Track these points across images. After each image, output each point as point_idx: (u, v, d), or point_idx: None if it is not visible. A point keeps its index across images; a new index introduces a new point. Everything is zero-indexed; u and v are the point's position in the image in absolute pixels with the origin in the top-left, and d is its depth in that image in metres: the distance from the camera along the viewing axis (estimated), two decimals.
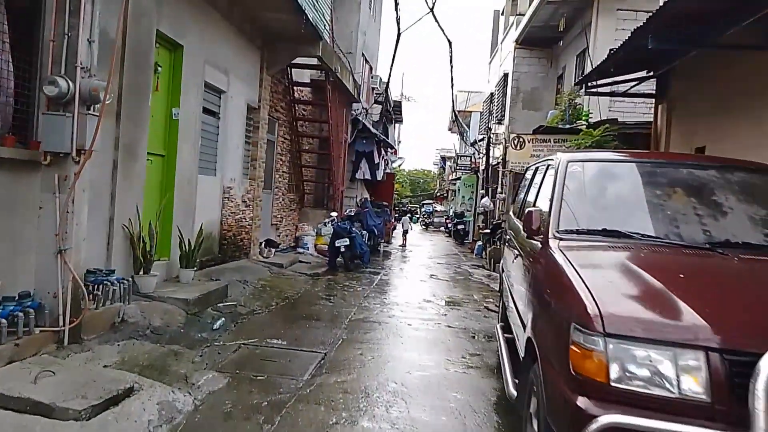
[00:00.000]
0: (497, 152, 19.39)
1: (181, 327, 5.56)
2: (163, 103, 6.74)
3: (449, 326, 6.71)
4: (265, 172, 10.45)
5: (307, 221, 13.06)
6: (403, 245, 19.03)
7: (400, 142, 32.42)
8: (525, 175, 6.33)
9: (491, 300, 8.72)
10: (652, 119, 8.09)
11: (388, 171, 17.99)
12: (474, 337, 6.28)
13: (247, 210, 9.54)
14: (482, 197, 20.12)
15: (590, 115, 8.89)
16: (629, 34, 5.84)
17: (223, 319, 5.99)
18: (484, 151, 20.36)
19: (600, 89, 8.00)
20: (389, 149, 17.51)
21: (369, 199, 15.64)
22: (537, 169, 5.24)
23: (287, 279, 9.13)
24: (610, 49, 6.68)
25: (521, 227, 4.53)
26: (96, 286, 4.86)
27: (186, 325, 5.66)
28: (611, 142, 7.49)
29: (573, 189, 3.67)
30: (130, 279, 5.79)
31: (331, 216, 12.01)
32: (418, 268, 12.86)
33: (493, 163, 19.86)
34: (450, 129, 37.43)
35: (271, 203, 11.18)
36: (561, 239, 3.27)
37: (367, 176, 14.65)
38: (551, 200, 3.62)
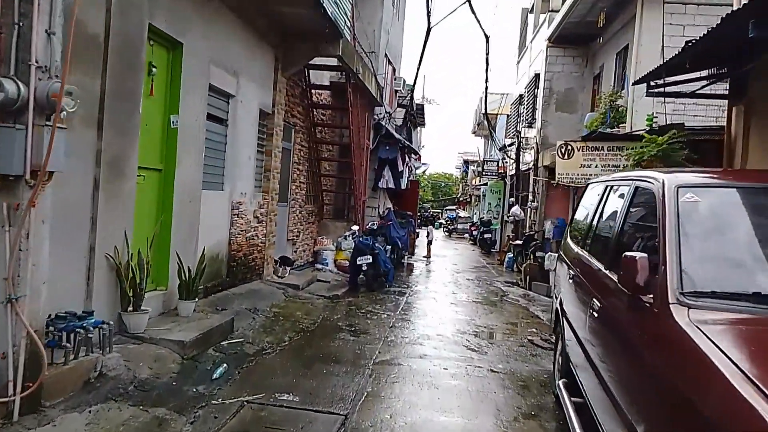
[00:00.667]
0: (528, 157, 18.25)
1: (174, 378, 4.63)
2: (159, 109, 5.85)
3: (492, 370, 5.67)
4: (281, 183, 9.54)
5: (327, 234, 12.13)
6: (428, 256, 17.99)
7: (422, 146, 31.37)
8: (587, 192, 5.27)
9: (534, 330, 7.65)
10: (723, 124, 6.95)
11: (411, 178, 16.99)
12: (525, 386, 5.23)
13: (259, 226, 8.63)
14: (512, 205, 18.97)
15: (655, 119, 7.74)
16: (719, 20, 4.74)
17: (225, 365, 5.05)
18: (514, 157, 19.21)
19: (664, 89, 6.87)
20: (413, 155, 16.52)
21: (392, 209, 14.66)
22: (611, 188, 4.18)
23: (303, 304, 8.18)
24: (687, 42, 5.59)
25: (601, 268, 3.50)
26: (67, 335, 3.95)
27: (180, 374, 4.74)
28: (680, 152, 6.38)
29: (692, 228, 2.63)
30: (116, 319, 4.90)
31: (352, 230, 11.05)
32: (447, 285, 11.82)
33: (524, 169, 18.72)
34: (474, 132, 36.29)
35: (287, 217, 10.27)
36: (691, 307, 2.23)
37: (391, 185, 13.69)
38: (662, 244, 2.58)
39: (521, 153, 18.82)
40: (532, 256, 14.32)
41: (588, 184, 5.28)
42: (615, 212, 3.69)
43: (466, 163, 50.39)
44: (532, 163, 17.40)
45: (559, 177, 8.97)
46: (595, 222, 4.26)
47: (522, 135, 19.27)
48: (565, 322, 4.46)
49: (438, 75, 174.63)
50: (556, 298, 5.34)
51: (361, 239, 9.98)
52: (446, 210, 44.67)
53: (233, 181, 7.62)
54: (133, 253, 5.14)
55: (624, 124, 10.65)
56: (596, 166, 8.56)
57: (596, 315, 3.24)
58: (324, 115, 11.96)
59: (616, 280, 2.84)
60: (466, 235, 32.19)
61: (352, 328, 7.03)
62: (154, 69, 5.61)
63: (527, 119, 18.86)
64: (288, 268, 9.45)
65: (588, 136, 8.96)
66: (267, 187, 8.85)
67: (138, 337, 5.08)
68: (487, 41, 13.10)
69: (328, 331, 6.84)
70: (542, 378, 5.50)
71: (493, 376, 5.47)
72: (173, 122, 5.96)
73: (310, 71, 10.45)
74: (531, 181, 17.66)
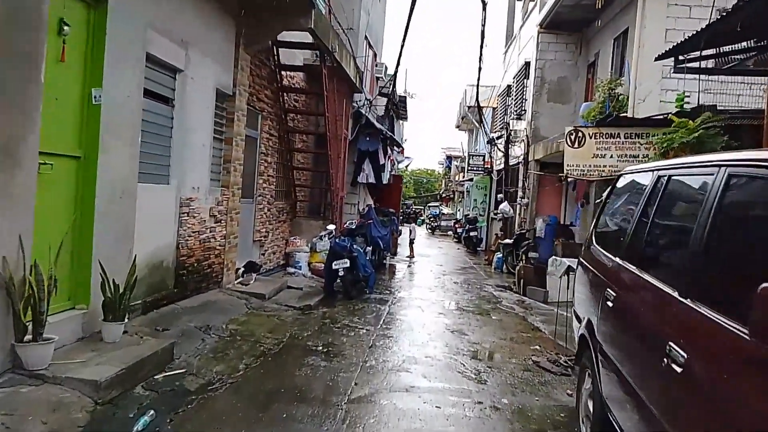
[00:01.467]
0: (517, 151, 17.23)
1: None
2: (75, 80, 4.60)
3: (496, 407, 4.55)
4: (245, 177, 8.32)
5: (300, 234, 10.93)
6: (411, 256, 16.84)
7: (405, 140, 30.28)
8: (620, 184, 4.17)
9: (538, 347, 6.58)
10: (762, 106, 5.93)
11: (394, 173, 15.83)
12: None
13: (217, 227, 7.41)
14: (500, 202, 17.94)
15: (686, 99, 6.64)
16: None
17: (153, 411, 3.84)
18: (503, 150, 18.17)
19: (699, 63, 5.81)
20: (396, 148, 15.38)
21: (373, 206, 13.51)
22: (669, 178, 3.07)
23: (269, 317, 6.99)
24: (734, 5, 4.51)
25: (686, 302, 2.37)
26: None
27: (88, 429, 3.53)
28: (716, 138, 5.32)
29: None
30: (7, 352, 3.70)
31: (328, 229, 9.87)
32: (433, 290, 10.71)
33: (513, 164, 17.70)
34: (458, 126, 35.27)
35: (252, 215, 9.04)
36: None
37: (371, 179, 12.53)
38: None
39: (510, 146, 17.79)
40: (524, 257, 13.29)
41: (620, 175, 4.18)
42: (691, 212, 2.57)
43: (450, 158, 49.45)
44: (522, 157, 16.39)
45: (568, 169, 7.87)
46: (648, 225, 3.14)
47: (511, 128, 18.26)
48: (601, 358, 3.35)
49: (420, 70, 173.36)
50: (579, 320, 4.23)
51: (337, 240, 8.81)
52: (429, 207, 43.66)
53: (182, 174, 6.38)
54: (33, 264, 3.91)
55: (625, 114, 9.65)
56: (611, 157, 7.48)
57: (682, 370, 2.11)
58: (297, 101, 10.74)
59: (733, 326, 1.72)
60: (450, 233, 31.17)
61: (325, 349, 5.86)
62: (66, 28, 4.35)
63: (516, 111, 17.85)
64: (254, 275, 8.24)
65: (602, 121, 7.81)
66: (227, 180, 7.63)
67: (38, 376, 3.86)
68: (484, 7, 11.85)
69: (294, 354, 5.66)
70: (559, 418, 4.40)
71: (498, 417, 4.36)
72: (95, 97, 4.71)
73: (280, 49, 9.22)
74: (521, 177, 16.66)
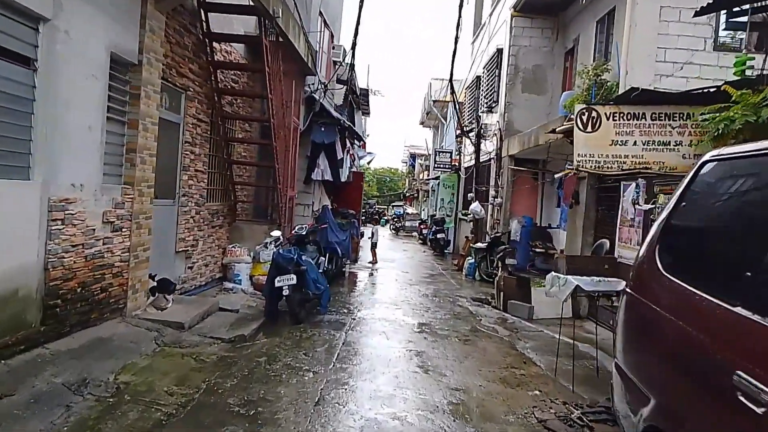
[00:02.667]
0: (489, 146, 15.83)
1: None
2: None
3: None
4: (161, 171, 6.52)
5: (242, 241, 9.15)
6: (373, 261, 15.21)
7: (368, 135, 28.64)
8: (699, 176, 2.62)
9: (538, 392, 5.05)
10: None
11: (355, 169, 14.16)
12: None
13: (116, 237, 5.60)
14: (470, 201, 16.52)
15: (751, 64, 5.11)
16: None
17: None
18: (474, 145, 16.74)
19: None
20: (357, 141, 13.72)
21: (329, 207, 11.81)
22: None
23: (183, 358, 5.24)
24: None
25: None
26: None
27: None
28: None
29: None
30: None
31: (273, 236, 8.13)
32: (399, 306, 9.10)
33: (484, 160, 16.30)
34: (422, 123, 33.85)
35: (175, 220, 7.24)
36: None
37: (327, 176, 10.84)
38: None
39: (482, 142, 16.38)
40: (500, 264, 11.84)
41: (703, 163, 2.61)
42: None
43: (413, 156, 48.14)
44: (494, 152, 15.00)
45: (580, 160, 6.27)
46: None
47: (481, 121, 16.86)
48: None
49: (382, 64, 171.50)
50: (637, 393, 2.65)
51: (281, 252, 7.08)
52: (393, 206, 42.16)
53: (53, 165, 4.57)
54: None
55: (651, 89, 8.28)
56: (635, 144, 5.98)
57: None
58: (237, 81, 8.97)
59: None
60: (415, 234, 29.73)
61: (251, 412, 4.16)
62: None
63: (487, 103, 16.46)
64: (169, 297, 6.44)
65: (624, 98, 6.14)
66: (131, 176, 5.82)
67: None
68: None
69: (205, 423, 3.94)
70: None
71: None
72: None
73: (210, 14, 7.44)
74: (493, 174, 15.29)
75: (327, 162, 10.75)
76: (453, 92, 16.05)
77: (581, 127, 6.25)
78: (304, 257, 7.40)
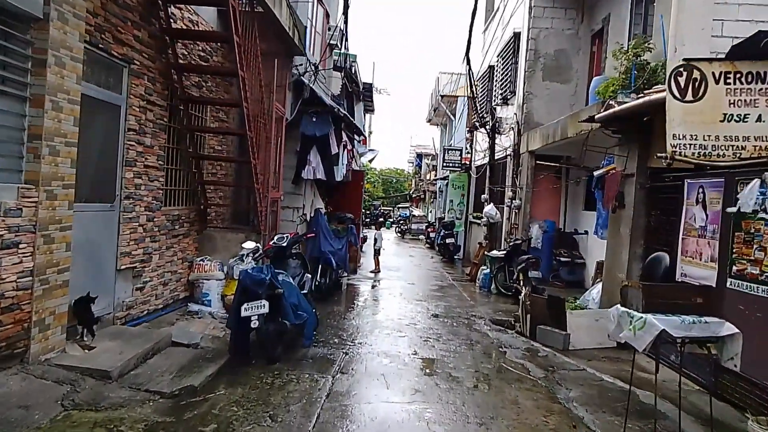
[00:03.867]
0: (504, 142, 14.18)
1: None
2: None
3: None
4: (87, 166, 4.95)
5: (214, 253, 7.57)
6: (376, 270, 13.61)
7: (371, 132, 27.08)
8: None
9: None
10: None
11: (354, 167, 12.54)
12: None
13: (10, 255, 4.02)
14: (484, 203, 14.87)
15: None
16: None
17: None
18: (489, 140, 15.09)
19: None
20: (356, 136, 12.10)
21: (323, 211, 10.21)
22: None
23: (92, 430, 3.65)
24: None
25: None
26: None
27: None
28: None
29: None
30: None
31: (246, 248, 6.51)
32: (403, 333, 7.49)
33: (499, 157, 14.65)
34: (429, 121, 32.20)
35: (115, 229, 5.65)
36: None
37: (320, 175, 9.23)
38: None
39: (497, 137, 14.73)
40: (522, 276, 10.19)
41: None
42: None
43: (420, 156, 46.53)
44: (510, 148, 13.36)
45: (675, 146, 4.36)
46: None
47: (496, 115, 15.21)
48: None
49: (388, 63, 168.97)
50: None
51: (250, 271, 5.45)
52: (398, 208, 40.52)
53: None
54: None
55: (660, 86, 6.65)
56: (760, 120, 4.25)
57: None
58: (208, 59, 7.39)
59: None
60: (422, 237, 28.10)
61: None
62: None
63: (502, 94, 14.82)
64: (89, 335, 4.85)
65: (746, 47, 4.18)
66: (35, 171, 4.24)
67: None
68: None
69: None
70: None
71: None
72: None
73: None
74: (509, 173, 13.66)
75: (319, 158, 9.15)
76: (469, 64, 14.24)
77: (677, 94, 4.48)
78: (281, 277, 5.80)
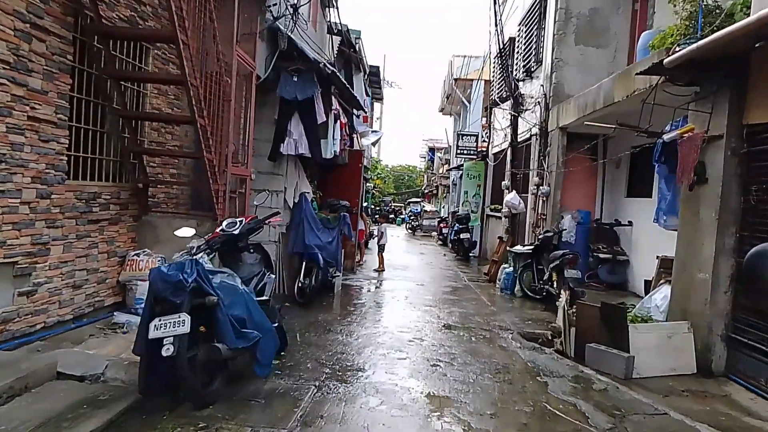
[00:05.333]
0: (530, 119, 12.19)
1: None
2: None
3: None
4: None
5: (156, 245, 5.75)
6: (380, 269, 11.75)
7: (378, 118, 25.22)
8: None
9: None
10: None
11: (350, 148, 10.64)
12: None
13: None
14: (506, 190, 12.94)
15: None
16: None
17: None
18: (510, 119, 13.13)
19: None
20: (354, 110, 10.19)
21: (310, 196, 8.33)
22: None
23: None
24: None
25: None
26: None
27: None
28: None
29: None
30: None
31: (190, 244, 4.63)
32: (407, 353, 5.61)
33: (522, 139, 12.68)
34: (442, 110, 30.24)
35: None
36: None
37: (303, 149, 7.34)
38: None
39: (519, 117, 12.75)
40: (555, 276, 8.29)
41: None
42: None
43: (432, 150, 44.61)
44: (537, 127, 11.41)
45: None
46: None
47: (517, 91, 13.23)
48: None
49: (400, 60, 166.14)
50: None
51: (164, 268, 3.59)
52: (409, 203, 38.58)
53: None
54: None
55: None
56: None
57: None
58: None
59: None
60: (434, 233, 26.18)
61: None
62: None
63: (524, 67, 12.85)
64: None
65: None
66: None
67: None
68: None
69: None
70: None
71: None
72: None
73: None
74: (534, 155, 11.71)
75: (302, 128, 7.30)
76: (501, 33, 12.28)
77: None
78: (219, 278, 3.94)
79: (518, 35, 13.84)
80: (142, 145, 5.81)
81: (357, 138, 12.02)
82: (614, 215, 10.34)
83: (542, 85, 11.30)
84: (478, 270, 13.52)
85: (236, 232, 4.64)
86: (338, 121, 8.39)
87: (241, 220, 4.77)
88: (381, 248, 12.04)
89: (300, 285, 7.30)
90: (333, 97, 7.86)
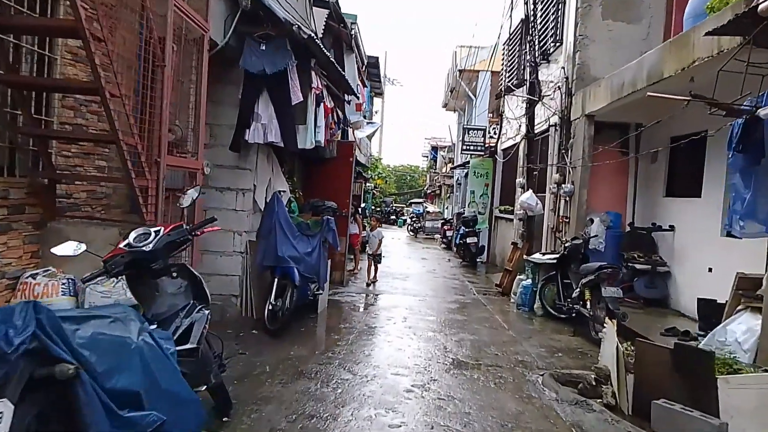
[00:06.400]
0: (550, 107, 10.63)
1: None
2: None
3: None
4: None
5: (67, 263, 4.22)
6: (371, 282, 10.12)
7: (377, 111, 23.70)
8: None
9: None
10: None
11: (337, 138, 9.07)
12: None
13: None
14: (520, 189, 11.41)
15: None
16: None
17: None
18: (525, 107, 11.59)
19: None
20: (344, 94, 8.62)
21: (288, 196, 6.79)
22: None
23: None
24: None
25: None
26: None
27: None
28: None
29: None
30: None
31: (63, 251, 3.14)
32: (402, 408, 4.10)
33: (540, 130, 11.13)
34: (446, 105, 28.72)
35: None
36: None
37: (273, 137, 5.75)
38: None
39: (536, 105, 11.19)
40: (590, 295, 6.77)
41: None
42: None
43: (435, 149, 43.09)
44: (557, 115, 9.88)
45: None
46: None
47: (532, 77, 11.67)
48: None
49: (402, 59, 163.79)
50: None
51: None
52: (411, 203, 37.04)
53: None
54: None
55: None
56: None
57: None
58: None
59: None
60: (437, 236, 24.65)
61: None
62: None
63: (541, 49, 11.31)
64: None
65: None
66: None
67: None
68: None
69: None
70: None
71: None
72: None
73: None
74: (552, 149, 10.18)
75: (272, 110, 5.79)
76: None
77: None
78: (94, 326, 2.43)
79: (536, 10, 12.28)
80: (49, 127, 4.31)
81: (351, 130, 10.45)
82: (650, 218, 8.80)
83: (563, 68, 9.77)
84: (487, 279, 12.00)
85: (148, 248, 3.13)
86: (322, 105, 6.87)
87: (159, 230, 3.25)
88: (374, 259, 10.37)
89: (271, 308, 5.79)
90: (313, 74, 6.33)
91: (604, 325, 5.02)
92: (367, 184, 28.42)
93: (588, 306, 6.63)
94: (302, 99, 5.95)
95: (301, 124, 6.21)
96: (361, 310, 7.76)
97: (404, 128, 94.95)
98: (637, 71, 6.90)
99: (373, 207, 33.75)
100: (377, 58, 20.51)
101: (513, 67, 13.15)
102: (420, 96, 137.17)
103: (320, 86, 6.54)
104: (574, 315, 7.02)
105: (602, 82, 8.15)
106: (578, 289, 6.87)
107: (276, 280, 5.94)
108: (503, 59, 15.02)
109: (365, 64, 19.73)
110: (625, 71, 7.30)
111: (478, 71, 20.36)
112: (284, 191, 6.79)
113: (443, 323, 7.15)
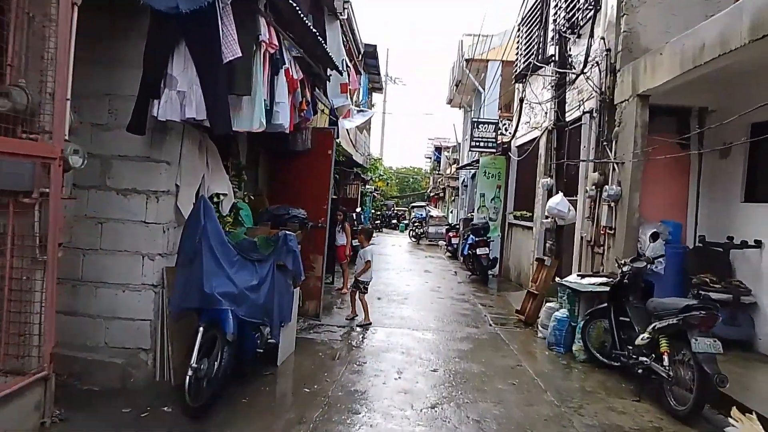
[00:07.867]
0: (585, 89, 8.55)
1: None
2: None
3: None
4: None
5: None
6: (354, 318, 7.63)
7: (374, 105, 21.76)
8: None
9: None
10: None
11: (342, 128, 6.89)
12: None
13: None
14: (547, 191, 9.31)
15: None
16: None
17: None
18: (553, 88, 9.48)
19: None
20: (323, 68, 6.54)
21: (230, 201, 4.75)
22: None
23: None
24: None
25: None
26: None
27: None
28: None
29: None
30: None
31: None
32: None
33: (572, 118, 9.04)
34: (450, 101, 26.64)
35: None
36: None
37: (195, 113, 3.81)
38: None
39: (567, 90, 9.10)
40: (667, 345, 4.65)
41: None
42: None
43: (438, 150, 41.04)
44: (594, 98, 7.82)
45: None
46: None
47: (557, 55, 9.60)
48: None
49: (404, 58, 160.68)
50: None
51: None
52: (413, 207, 34.92)
53: None
54: None
55: None
56: None
57: None
58: None
59: None
60: (441, 243, 22.55)
61: None
62: None
63: (569, 19, 9.25)
64: None
65: None
66: None
67: None
68: None
69: None
70: None
71: None
72: None
73: None
74: (589, 142, 8.13)
75: (195, 71, 3.80)
76: None
77: None
78: None
79: None
80: None
81: (327, 107, 8.29)
82: (722, 229, 6.71)
83: (602, 38, 7.70)
84: (503, 300, 9.93)
85: None
86: (282, 73, 4.81)
87: None
88: (360, 288, 7.41)
89: (191, 374, 3.75)
90: (262, 20, 4.27)
91: (732, 417, 2.94)
92: (366, 187, 26.37)
93: (665, 362, 4.54)
94: (240, 55, 3.89)
95: (242, 94, 4.15)
96: (341, 357, 5.68)
97: (407, 130, 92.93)
98: (730, 23, 4.83)
99: (372, 211, 31.67)
100: (375, 46, 18.49)
101: (532, 46, 11.06)
102: (423, 97, 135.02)
103: (274, 41, 4.47)
104: (639, 371, 4.93)
105: (665, 48, 6.07)
106: (647, 335, 4.78)
107: (201, 329, 3.89)
108: (518, 41, 12.93)
109: (362, 53, 17.72)
110: (708, 26, 5.23)
111: (487, 60, 18.27)
112: (225, 194, 4.72)
113: (453, 381, 5.08)
